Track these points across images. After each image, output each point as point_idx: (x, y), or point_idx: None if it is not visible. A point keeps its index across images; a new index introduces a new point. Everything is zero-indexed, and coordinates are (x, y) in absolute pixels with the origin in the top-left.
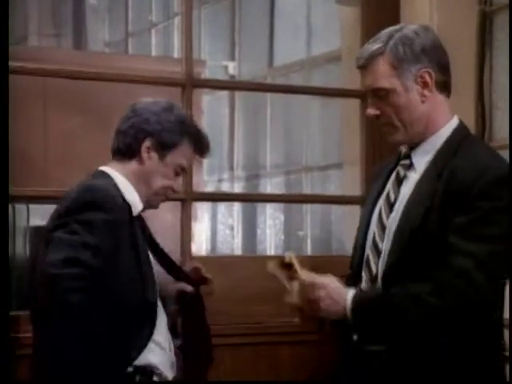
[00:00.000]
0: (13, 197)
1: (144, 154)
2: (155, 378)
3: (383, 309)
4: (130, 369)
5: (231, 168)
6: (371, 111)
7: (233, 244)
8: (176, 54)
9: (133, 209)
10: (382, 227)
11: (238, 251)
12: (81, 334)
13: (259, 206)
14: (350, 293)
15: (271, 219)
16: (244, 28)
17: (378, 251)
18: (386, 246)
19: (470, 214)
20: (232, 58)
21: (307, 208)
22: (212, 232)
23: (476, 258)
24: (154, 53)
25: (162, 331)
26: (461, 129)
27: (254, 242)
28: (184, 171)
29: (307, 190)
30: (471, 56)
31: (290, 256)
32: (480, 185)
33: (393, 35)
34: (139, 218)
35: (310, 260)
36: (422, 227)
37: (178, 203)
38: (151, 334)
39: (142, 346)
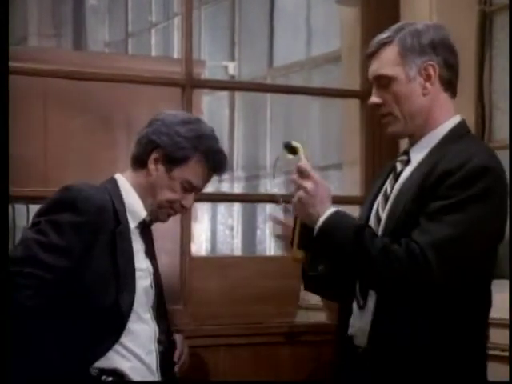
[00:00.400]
0: (12, 197)
1: (151, 166)
2: None
3: (350, 236)
4: (95, 371)
5: (231, 168)
6: (374, 99)
7: (232, 244)
8: (176, 55)
9: (130, 217)
10: (378, 220)
11: (238, 251)
12: (29, 332)
13: (259, 207)
14: (333, 208)
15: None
16: (244, 28)
17: None
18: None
19: (444, 200)
20: (232, 59)
21: None
22: (212, 232)
23: (433, 236)
24: (153, 53)
25: (141, 341)
26: (460, 128)
27: (254, 242)
28: (195, 189)
29: None
30: (471, 56)
31: (299, 144)
32: (459, 174)
33: (404, 27)
34: (144, 228)
35: None
36: (406, 215)
37: None
38: (116, 340)
39: (102, 350)
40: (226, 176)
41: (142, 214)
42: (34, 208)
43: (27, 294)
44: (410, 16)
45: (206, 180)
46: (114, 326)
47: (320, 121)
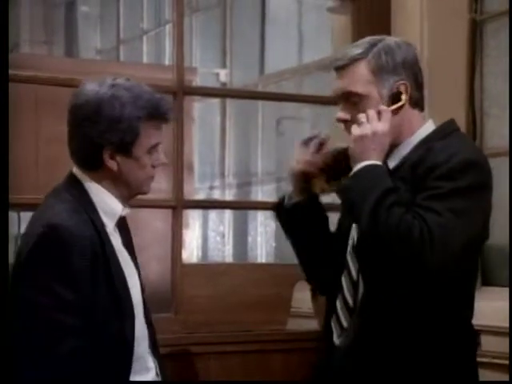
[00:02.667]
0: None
1: (109, 164)
2: None
3: (377, 193)
4: None
5: (222, 175)
6: (342, 115)
7: (224, 251)
8: (167, 62)
9: (106, 218)
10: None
11: (229, 258)
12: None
13: (250, 214)
14: (380, 162)
15: (262, 226)
16: (235, 36)
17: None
18: None
19: (430, 190)
20: (223, 66)
21: None
22: (203, 239)
23: (424, 219)
24: (145, 60)
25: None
26: (448, 125)
27: (245, 249)
28: (159, 144)
29: None
30: (462, 64)
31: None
32: (445, 166)
33: (376, 43)
34: (120, 222)
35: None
36: None
37: (169, 211)
38: (129, 370)
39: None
40: (217, 183)
41: (118, 209)
42: (26, 215)
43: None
44: (401, 24)
45: (161, 129)
46: (123, 360)
47: (311, 128)
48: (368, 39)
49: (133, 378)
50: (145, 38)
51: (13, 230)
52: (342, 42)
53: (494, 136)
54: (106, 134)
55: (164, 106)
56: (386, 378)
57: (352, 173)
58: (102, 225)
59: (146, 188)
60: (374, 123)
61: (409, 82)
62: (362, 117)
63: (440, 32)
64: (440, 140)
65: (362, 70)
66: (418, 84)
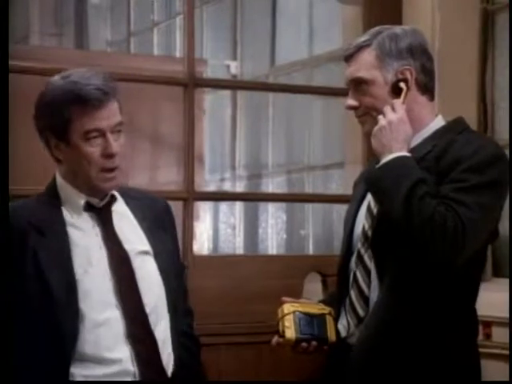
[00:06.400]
0: (12, 195)
1: (56, 153)
2: None
3: (407, 185)
4: None
5: (233, 167)
6: (351, 102)
7: (235, 243)
8: (178, 54)
9: (68, 209)
10: (372, 217)
11: (240, 250)
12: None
13: (261, 205)
14: (405, 152)
15: (273, 218)
16: (246, 27)
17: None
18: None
19: (458, 183)
20: (234, 58)
21: (309, 207)
22: (214, 231)
23: (456, 212)
24: (155, 52)
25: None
26: (458, 123)
27: (256, 241)
28: (101, 131)
29: (309, 189)
30: (473, 55)
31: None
32: (474, 159)
33: (382, 31)
34: (101, 214)
35: (312, 259)
36: None
37: (180, 203)
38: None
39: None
40: (227, 175)
41: (80, 202)
42: None
43: None
44: (413, 14)
45: (99, 115)
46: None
47: (322, 119)
48: (376, 28)
49: (85, 366)
50: (155, 29)
51: None
52: (353, 33)
53: (504, 128)
54: (40, 121)
55: (92, 91)
56: (404, 371)
57: (380, 164)
58: (57, 215)
59: (100, 183)
60: (388, 114)
61: (415, 67)
62: (379, 118)
63: (451, 23)
64: (458, 134)
65: (367, 56)
66: (425, 70)
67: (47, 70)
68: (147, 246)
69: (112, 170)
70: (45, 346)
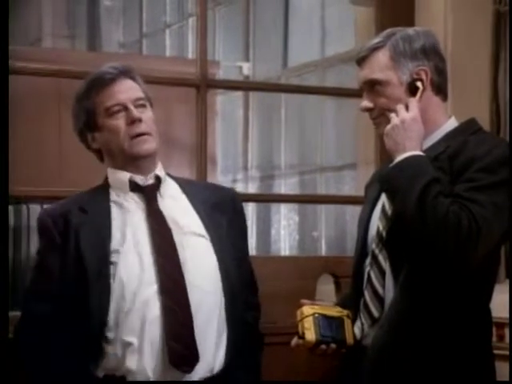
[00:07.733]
0: (27, 197)
1: (93, 146)
2: None
3: (421, 184)
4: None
5: (245, 168)
6: (366, 104)
7: None
8: (190, 55)
9: (116, 191)
10: (386, 218)
11: (253, 251)
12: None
13: (273, 207)
14: (418, 151)
15: (285, 219)
16: (258, 29)
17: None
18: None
19: (472, 182)
20: (246, 59)
21: (321, 208)
22: None
23: (470, 211)
24: (168, 53)
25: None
26: (471, 123)
27: (269, 242)
28: (122, 105)
29: (321, 190)
30: (486, 56)
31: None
32: (487, 159)
33: (395, 33)
34: (148, 194)
35: (325, 260)
36: None
37: None
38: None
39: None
40: (240, 176)
41: (124, 179)
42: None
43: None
44: (425, 16)
45: (113, 91)
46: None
47: (334, 121)
48: (388, 30)
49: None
50: (168, 31)
51: (35, 222)
52: (365, 34)
53: None
54: (77, 122)
55: (104, 70)
56: (418, 372)
57: (394, 163)
58: (102, 200)
59: (133, 149)
60: (401, 113)
61: (429, 67)
62: (392, 116)
63: (464, 24)
64: (471, 135)
65: (381, 57)
66: (438, 70)
67: (60, 71)
68: (201, 229)
69: (140, 134)
70: (78, 318)
